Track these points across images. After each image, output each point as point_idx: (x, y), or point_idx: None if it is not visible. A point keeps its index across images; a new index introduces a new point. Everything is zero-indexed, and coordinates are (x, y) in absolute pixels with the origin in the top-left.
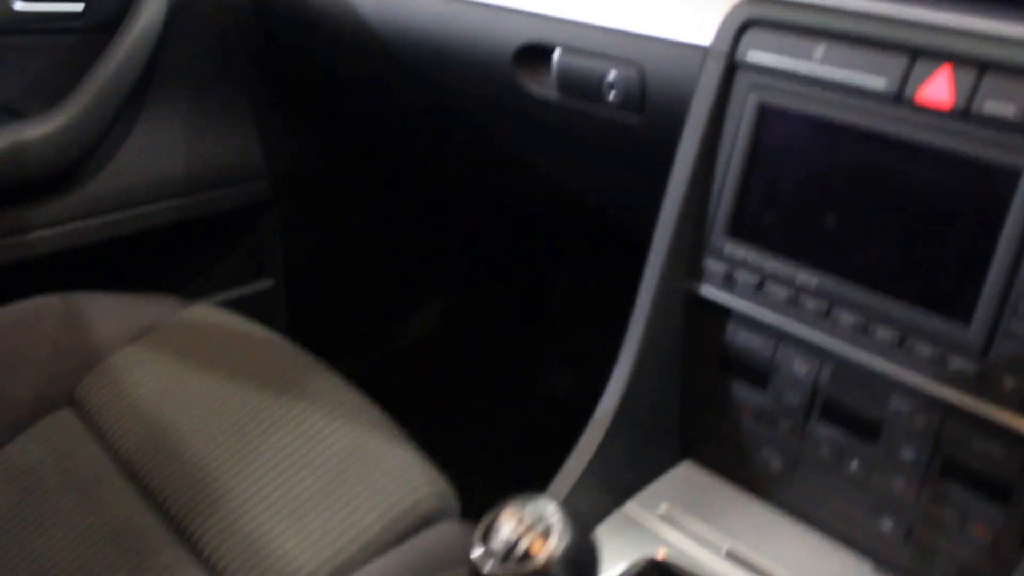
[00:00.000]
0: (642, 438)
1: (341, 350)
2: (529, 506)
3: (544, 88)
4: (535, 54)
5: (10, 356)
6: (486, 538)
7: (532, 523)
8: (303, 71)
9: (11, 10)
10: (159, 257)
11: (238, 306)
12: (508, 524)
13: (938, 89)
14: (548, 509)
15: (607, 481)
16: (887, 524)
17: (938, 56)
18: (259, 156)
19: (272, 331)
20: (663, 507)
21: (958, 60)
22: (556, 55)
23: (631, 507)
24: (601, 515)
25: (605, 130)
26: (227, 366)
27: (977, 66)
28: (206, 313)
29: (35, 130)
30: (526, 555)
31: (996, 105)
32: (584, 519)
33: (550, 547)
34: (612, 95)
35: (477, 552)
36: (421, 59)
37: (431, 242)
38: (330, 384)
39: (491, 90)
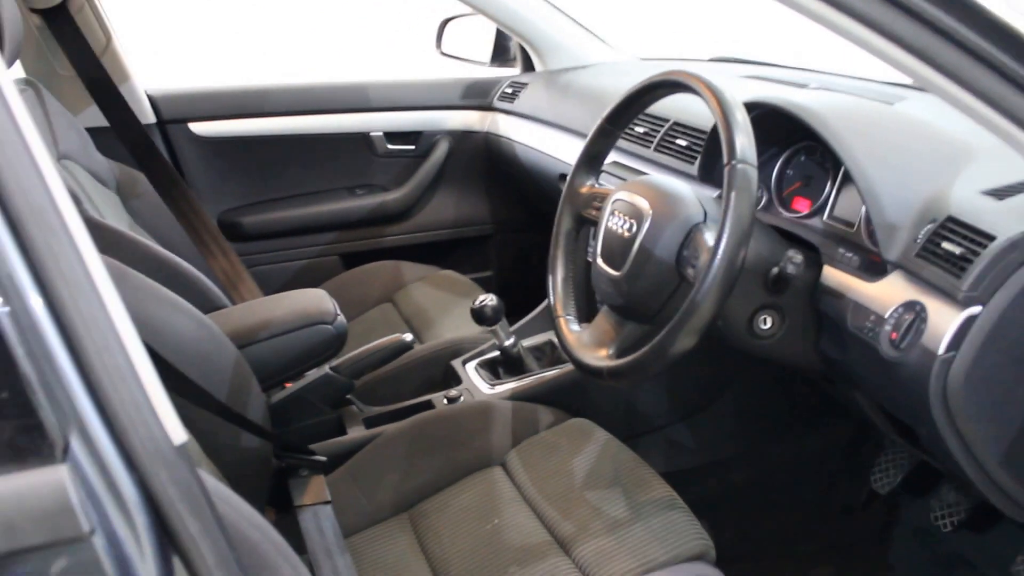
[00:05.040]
0: None
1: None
2: (489, 294)
3: None
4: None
5: (367, 282)
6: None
7: (485, 297)
8: (505, 169)
9: (387, 148)
10: (439, 252)
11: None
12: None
13: None
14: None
15: None
16: None
17: None
18: (486, 210)
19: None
20: None
21: None
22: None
23: None
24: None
25: None
26: (453, 292)
27: None
28: (450, 274)
29: (391, 196)
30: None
31: None
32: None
33: (488, 301)
34: None
35: (476, 303)
36: (522, 168)
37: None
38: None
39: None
